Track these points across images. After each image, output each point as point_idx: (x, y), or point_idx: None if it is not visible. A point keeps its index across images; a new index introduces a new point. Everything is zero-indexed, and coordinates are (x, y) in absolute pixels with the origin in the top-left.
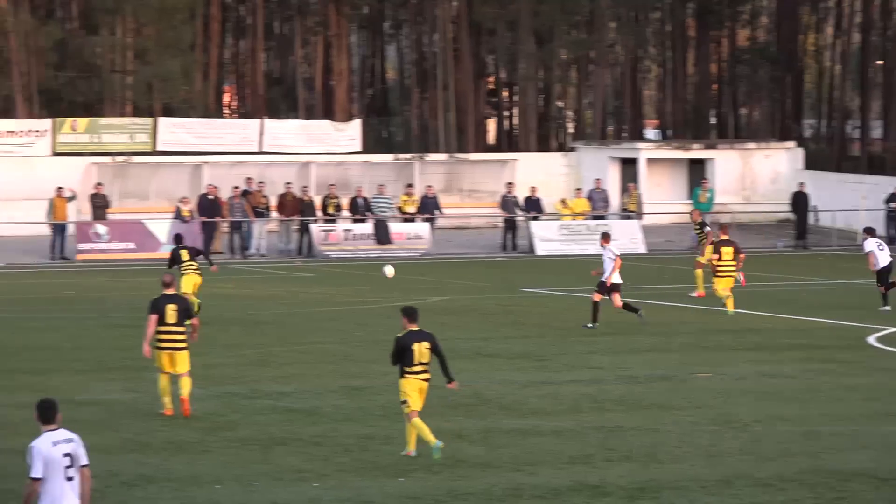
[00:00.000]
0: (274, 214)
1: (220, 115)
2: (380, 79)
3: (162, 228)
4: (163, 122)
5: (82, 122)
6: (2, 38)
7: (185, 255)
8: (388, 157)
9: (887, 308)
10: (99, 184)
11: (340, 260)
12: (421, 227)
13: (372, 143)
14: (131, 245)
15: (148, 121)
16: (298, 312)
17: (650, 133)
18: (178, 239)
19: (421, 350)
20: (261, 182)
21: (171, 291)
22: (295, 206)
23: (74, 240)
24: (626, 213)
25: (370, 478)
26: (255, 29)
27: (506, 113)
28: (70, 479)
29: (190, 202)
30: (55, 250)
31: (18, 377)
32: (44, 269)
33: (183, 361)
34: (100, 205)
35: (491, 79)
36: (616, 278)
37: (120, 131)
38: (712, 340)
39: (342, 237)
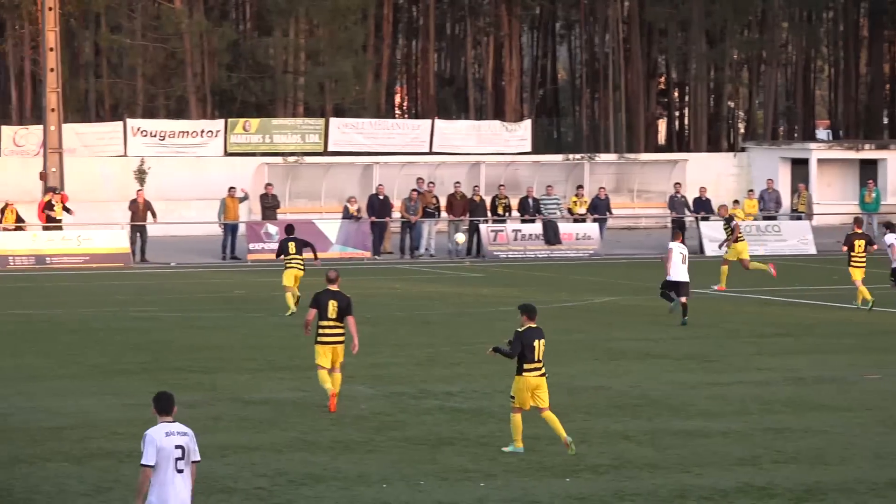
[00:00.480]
0: (444, 215)
1: (391, 115)
2: (550, 79)
3: (332, 228)
4: (334, 122)
5: (254, 122)
6: (176, 39)
7: (292, 247)
8: (558, 157)
9: None
10: (269, 184)
11: (509, 260)
12: (590, 228)
13: (542, 144)
14: None
15: (319, 121)
16: (467, 312)
17: (821, 133)
18: (288, 230)
19: (540, 347)
20: (431, 182)
21: (334, 287)
22: (464, 206)
23: (245, 240)
24: (796, 214)
25: (536, 478)
26: (426, 29)
27: (676, 113)
28: (180, 471)
29: (357, 202)
30: (226, 250)
31: (188, 376)
32: (215, 268)
33: (341, 355)
34: (270, 205)
35: (662, 79)
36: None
37: (291, 132)
38: (881, 341)
39: (511, 237)
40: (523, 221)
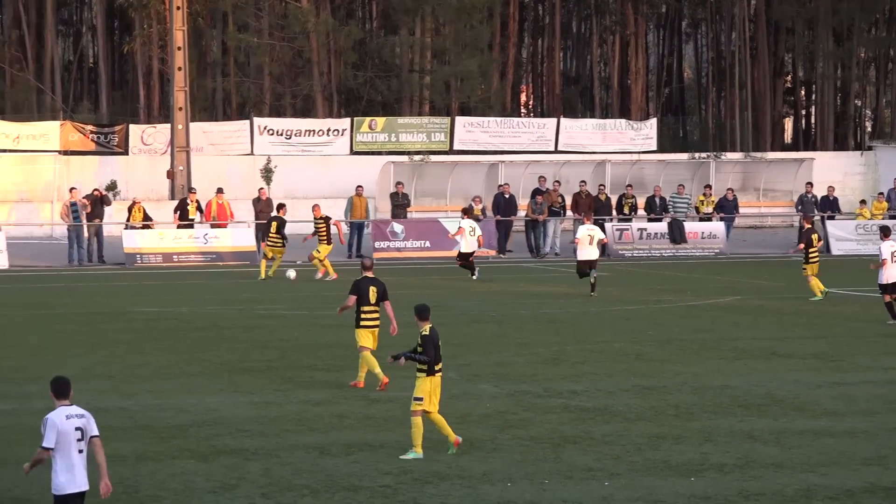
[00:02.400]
0: (569, 213)
1: (516, 114)
2: (676, 77)
3: (457, 227)
4: (459, 121)
5: (380, 121)
6: (303, 38)
7: (273, 226)
8: (684, 156)
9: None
10: (399, 183)
11: (634, 259)
12: (716, 227)
13: (668, 142)
14: (427, 244)
15: (445, 120)
16: (591, 311)
17: None
18: (279, 207)
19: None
20: (556, 181)
21: (370, 274)
22: (589, 205)
23: (371, 238)
24: None
25: (661, 477)
26: (552, 28)
27: (803, 112)
28: (80, 451)
29: (482, 201)
30: (352, 248)
31: (314, 374)
32: (341, 267)
33: (376, 339)
34: (400, 203)
35: (788, 77)
36: (881, 277)
37: (417, 130)
38: None
39: (636, 236)
40: (650, 220)
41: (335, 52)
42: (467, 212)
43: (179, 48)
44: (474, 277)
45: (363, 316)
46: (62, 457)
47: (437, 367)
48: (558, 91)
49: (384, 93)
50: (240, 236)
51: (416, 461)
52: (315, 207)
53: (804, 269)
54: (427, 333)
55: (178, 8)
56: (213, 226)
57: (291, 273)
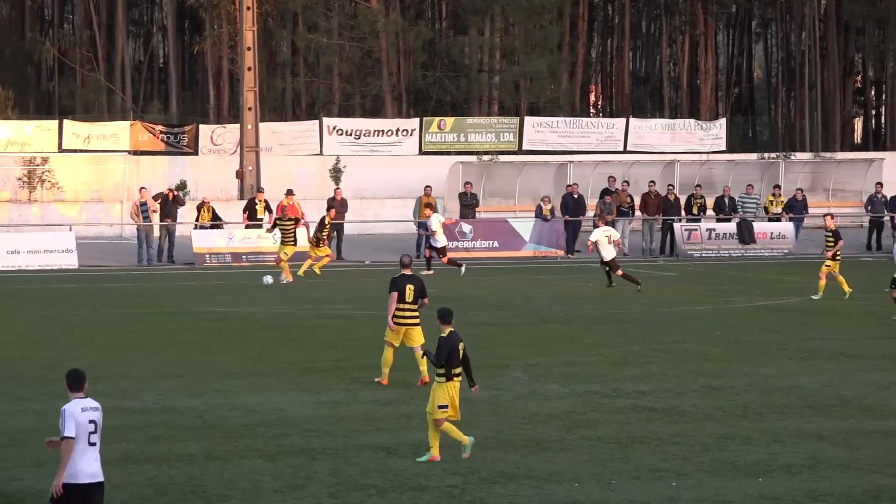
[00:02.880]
0: (638, 214)
1: (585, 114)
2: (746, 77)
3: (526, 227)
4: (528, 121)
5: (449, 121)
6: (372, 38)
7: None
8: (753, 156)
9: None
10: (468, 183)
11: (703, 259)
12: (785, 227)
13: (737, 143)
14: (495, 244)
15: (514, 120)
16: (659, 311)
17: None
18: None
19: (461, 351)
20: (625, 181)
21: (408, 272)
22: (658, 205)
23: None
24: None
25: (729, 477)
26: (622, 28)
27: (873, 112)
28: (93, 444)
29: (551, 201)
30: (421, 248)
31: (379, 373)
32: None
33: (418, 336)
34: (469, 203)
35: (858, 77)
36: None
37: (486, 130)
38: None
39: (705, 236)
40: (718, 220)
41: (404, 52)
42: (431, 207)
43: (249, 48)
44: (462, 272)
45: (397, 313)
46: (78, 447)
47: (454, 372)
48: (627, 91)
49: (453, 93)
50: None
51: (484, 461)
52: (287, 207)
53: (829, 266)
54: (444, 336)
55: (249, 8)
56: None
57: (268, 279)
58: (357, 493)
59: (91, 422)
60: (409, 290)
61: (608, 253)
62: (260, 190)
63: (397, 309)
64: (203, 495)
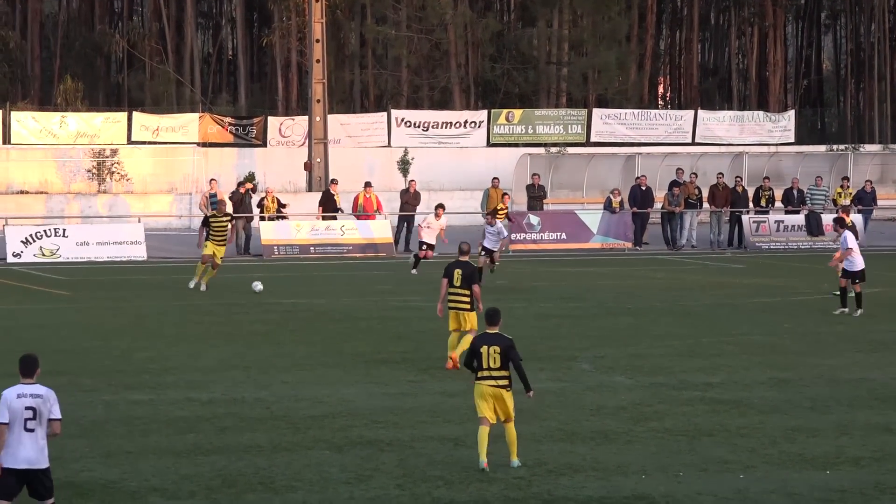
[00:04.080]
0: (706, 206)
1: (653, 106)
2: (815, 69)
3: (594, 219)
4: (596, 112)
5: (517, 112)
6: (441, 30)
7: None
8: (822, 148)
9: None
10: (535, 174)
11: (771, 251)
12: (854, 219)
13: (805, 134)
14: (563, 235)
15: (582, 112)
16: (727, 303)
17: None
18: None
19: (490, 354)
20: (693, 173)
21: (464, 258)
22: (726, 197)
23: (507, 230)
24: None
25: (796, 470)
26: (690, 19)
27: None
28: (30, 430)
29: (620, 194)
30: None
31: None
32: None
33: (470, 320)
34: (536, 195)
35: None
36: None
37: (554, 122)
38: None
39: (773, 228)
40: (787, 212)
41: (473, 44)
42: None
43: (318, 40)
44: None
45: (448, 297)
46: (10, 432)
47: (478, 375)
48: (696, 83)
49: (521, 85)
50: (376, 228)
51: (551, 452)
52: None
53: None
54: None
55: (317, 0)
56: (358, 218)
57: (258, 285)
58: (424, 484)
59: (28, 408)
60: (457, 274)
61: None
62: (333, 181)
63: (448, 293)
64: (270, 486)
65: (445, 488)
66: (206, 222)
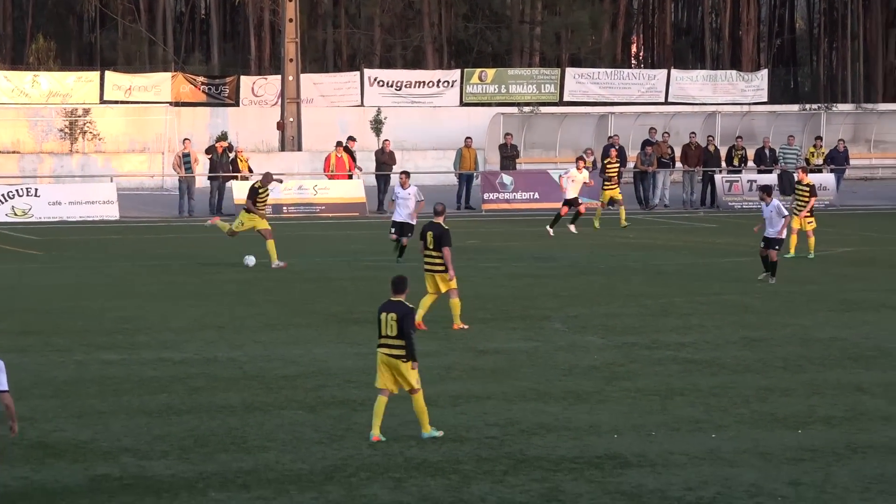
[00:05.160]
0: (678, 165)
1: (626, 65)
2: (788, 28)
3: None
4: (570, 72)
5: (490, 72)
6: None
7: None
8: (794, 107)
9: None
10: (508, 134)
11: (743, 211)
12: (826, 179)
13: (778, 94)
14: (535, 195)
15: (555, 71)
16: (700, 263)
17: None
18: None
19: (387, 322)
20: (665, 132)
21: (437, 220)
22: (699, 157)
23: (480, 189)
24: None
25: (768, 429)
26: None
27: None
28: None
29: (593, 153)
30: (461, 200)
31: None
32: (450, 218)
33: (443, 282)
34: (509, 155)
35: None
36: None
37: (527, 82)
38: None
39: (746, 188)
40: (759, 172)
41: (446, 3)
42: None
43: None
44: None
45: (424, 259)
46: None
47: (378, 343)
48: (669, 42)
49: (494, 44)
50: (349, 188)
51: (523, 412)
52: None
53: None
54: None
55: None
56: (331, 178)
57: (251, 260)
58: (396, 444)
59: None
60: (430, 236)
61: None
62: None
63: (423, 255)
64: (243, 446)
65: (418, 448)
66: (253, 194)
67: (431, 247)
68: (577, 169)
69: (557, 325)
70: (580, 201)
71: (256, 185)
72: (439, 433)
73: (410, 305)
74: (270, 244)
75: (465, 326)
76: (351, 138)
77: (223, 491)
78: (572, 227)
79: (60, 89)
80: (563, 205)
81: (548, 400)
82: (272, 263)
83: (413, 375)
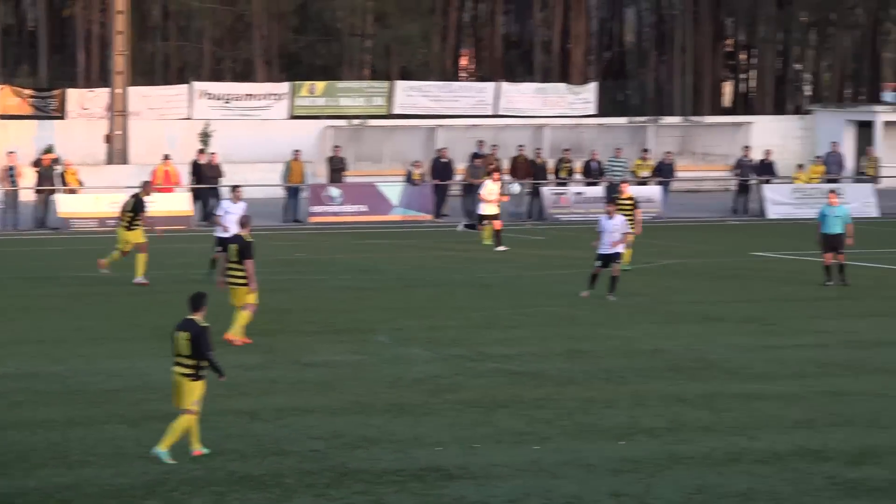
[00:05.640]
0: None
1: (456, 78)
2: (617, 42)
3: (394, 191)
4: (400, 85)
5: (320, 85)
6: (244, 1)
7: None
8: (623, 120)
9: None
10: (336, 146)
11: (571, 223)
12: (653, 191)
13: (608, 107)
14: (363, 208)
15: (385, 84)
16: (526, 275)
17: (889, 96)
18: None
19: (179, 341)
20: (494, 145)
21: (242, 232)
22: (527, 169)
23: (308, 202)
24: (860, 177)
25: (591, 441)
26: None
27: (743, 76)
28: None
29: (422, 165)
30: (288, 212)
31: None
32: (277, 231)
33: (240, 296)
34: (337, 167)
35: (729, 41)
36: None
37: (357, 94)
38: None
39: (573, 200)
40: (587, 184)
41: (276, 15)
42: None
43: (120, 12)
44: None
45: (227, 272)
46: None
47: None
48: (499, 55)
49: (325, 57)
50: (176, 201)
51: (347, 425)
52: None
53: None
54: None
55: None
56: (157, 191)
57: (515, 187)
58: (220, 457)
59: None
60: (232, 249)
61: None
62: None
63: (226, 267)
64: (64, 461)
65: (240, 461)
66: (141, 207)
67: (235, 259)
68: (493, 180)
69: (383, 338)
70: (498, 216)
71: (142, 196)
72: (171, 461)
73: (204, 324)
74: (143, 258)
75: (249, 341)
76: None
77: None
78: (501, 247)
79: None
80: (480, 222)
81: (372, 413)
82: (136, 278)
83: (192, 396)
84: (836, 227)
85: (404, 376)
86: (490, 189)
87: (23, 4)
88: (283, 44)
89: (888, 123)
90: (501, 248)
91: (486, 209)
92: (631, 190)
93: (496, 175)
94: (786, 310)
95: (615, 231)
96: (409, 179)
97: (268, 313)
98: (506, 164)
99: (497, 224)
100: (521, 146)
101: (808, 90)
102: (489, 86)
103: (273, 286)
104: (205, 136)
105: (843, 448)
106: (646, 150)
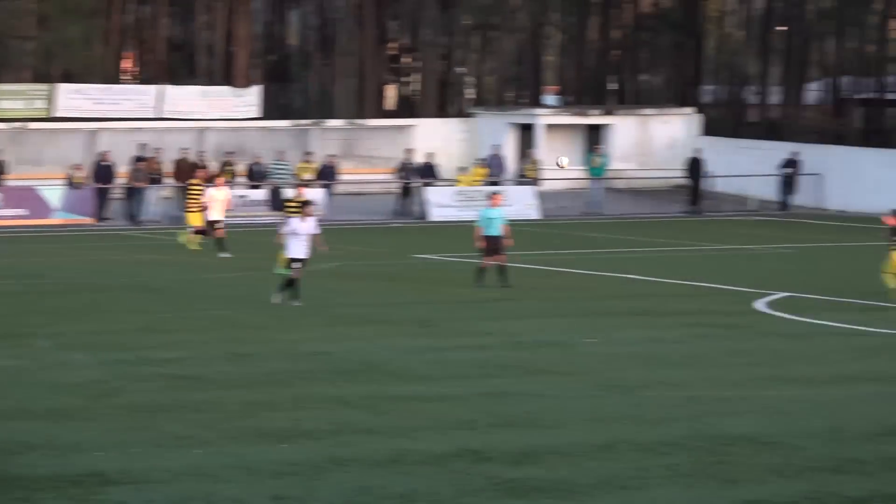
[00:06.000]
0: (170, 180)
1: (119, 81)
2: (281, 45)
3: (55, 195)
4: (62, 88)
5: None
6: None
7: None
8: (286, 123)
9: None
10: None
11: (235, 226)
12: (315, 194)
13: (272, 110)
14: (24, 212)
15: (46, 87)
16: (189, 279)
17: (550, 99)
18: None
19: None
20: (157, 148)
21: None
22: (190, 172)
23: None
24: (522, 179)
25: (253, 444)
26: None
27: (407, 79)
28: None
29: (83, 169)
30: None
31: None
32: None
33: None
34: None
35: (393, 44)
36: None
37: (18, 97)
38: (601, 306)
39: (237, 203)
40: (251, 188)
41: None
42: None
43: None
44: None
45: None
46: None
47: None
48: (163, 58)
49: None
50: None
51: (5, 431)
52: None
53: None
54: None
55: None
56: None
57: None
58: None
59: None
60: None
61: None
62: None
63: None
64: None
65: None
66: None
67: None
68: (217, 187)
69: (43, 342)
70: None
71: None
72: None
73: None
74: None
75: None
76: None
77: None
78: (225, 254)
79: None
80: (198, 230)
81: (31, 418)
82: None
83: None
84: (496, 230)
85: (65, 381)
86: (213, 195)
87: None
88: None
89: (549, 126)
90: (225, 255)
91: (213, 215)
92: (308, 193)
93: (219, 181)
94: (448, 311)
95: (309, 233)
96: (71, 183)
97: None
98: (169, 167)
99: (220, 232)
100: (184, 149)
101: (471, 93)
102: (152, 88)
103: None
104: None
105: (504, 448)
106: (309, 153)
